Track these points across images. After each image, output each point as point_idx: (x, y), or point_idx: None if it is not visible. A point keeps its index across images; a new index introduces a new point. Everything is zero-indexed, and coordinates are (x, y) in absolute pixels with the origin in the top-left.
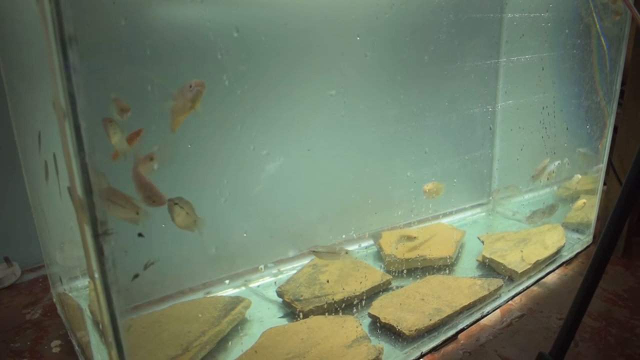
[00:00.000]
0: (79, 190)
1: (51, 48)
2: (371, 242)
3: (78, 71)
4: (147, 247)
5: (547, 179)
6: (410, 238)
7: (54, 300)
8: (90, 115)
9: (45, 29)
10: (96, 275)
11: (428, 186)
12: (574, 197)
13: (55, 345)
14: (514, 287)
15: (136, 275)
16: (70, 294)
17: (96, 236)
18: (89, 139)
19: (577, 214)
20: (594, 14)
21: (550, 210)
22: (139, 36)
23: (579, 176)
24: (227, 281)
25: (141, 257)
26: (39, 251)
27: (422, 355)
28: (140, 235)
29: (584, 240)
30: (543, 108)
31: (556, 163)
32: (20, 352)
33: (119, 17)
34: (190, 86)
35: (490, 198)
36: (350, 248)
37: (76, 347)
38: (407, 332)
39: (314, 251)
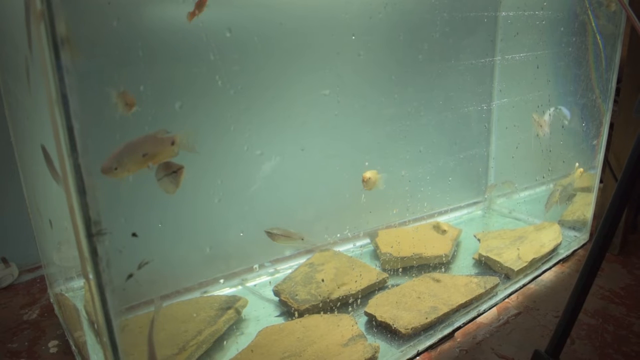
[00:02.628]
0: (73, 190)
1: (43, 49)
2: (366, 241)
3: (70, 72)
4: (144, 247)
5: (548, 125)
6: (442, 230)
7: (52, 300)
8: (83, 117)
9: (37, 29)
10: (90, 276)
11: (367, 174)
12: (571, 195)
13: (52, 346)
14: (510, 285)
15: (130, 275)
16: (66, 295)
17: (90, 236)
18: (82, 140)
19: (574, 209)
20: (589, 12)
21: (564, 191)
22: (132, 37)
23: (577, 164)
24: (221, 281)
25: (136, 257)
26: (36, 252)
27: (418, 354)
28: (134, 235)
29: (581, 237)
30: (538, 106)
31: (552, 110)
32: (18, 352)
33: (111, 18)
34: (175, 171)
35: (486, 196)
36: (345, 247)
37: (73, 348)
38: (403, 331)
39: (268, 232)
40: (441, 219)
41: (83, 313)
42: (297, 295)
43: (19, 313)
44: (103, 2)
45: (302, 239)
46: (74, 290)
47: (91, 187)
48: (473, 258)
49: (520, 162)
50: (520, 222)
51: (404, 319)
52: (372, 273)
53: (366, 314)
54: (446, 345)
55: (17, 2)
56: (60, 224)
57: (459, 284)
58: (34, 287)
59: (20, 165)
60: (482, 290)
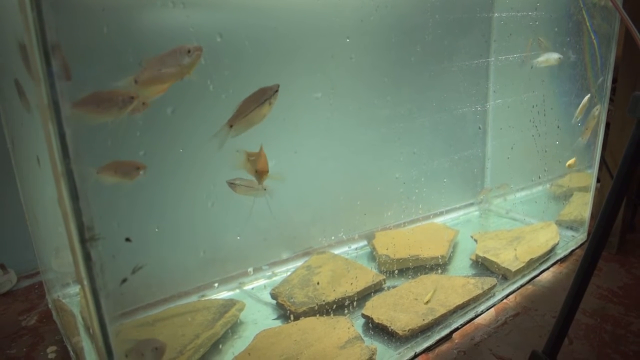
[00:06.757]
0: (66, 196)
1: (35, 56)
2: (362, 243)
3: (61, 79)
4: (140, 251)
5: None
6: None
7: (50, 306)
8: (74, 123)
9: (28, 37)
10: (85, 281)
11: None
12: (568, 195)
13: (51, 352)
14: (508, 286)
15: (124, 280)
16: (63, 300)
17: (83, 242)
18: (74, 146)
19: (572, 209)
20: (584, 12)
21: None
22: (123, 44)
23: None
24: (216, 285)
25: (133, 261)
26: (34, 258)
27: (416, 355)
28: (127, 240)
29: (578, 237)
30: (533, 106)
31: (556, 56)
32: (17, 358)
33: (104, 24)
34: (189, 51)
35: (482, 197)
36: (341, 249)
37: (71, 353)
38: (400, 332)
39: (229, 183)
40: (438, 220)
41: (79, 319)
42: (294, 298)
43: (18, 319)
44: (97, 9)
45: (265, 189)
46: (71, 296)
47: (84, 193)
48: (470, 259)
49: (516, 162)
50: (517, 223)
51: (402, 321)
52: (369, 275)
53: (363, 316)
54: (444, 346)
55: (6, 11)
56: (55, 229)
57: (456, 285)
58: (32, 293)
59: (17, 171)
60: (479, 291)
